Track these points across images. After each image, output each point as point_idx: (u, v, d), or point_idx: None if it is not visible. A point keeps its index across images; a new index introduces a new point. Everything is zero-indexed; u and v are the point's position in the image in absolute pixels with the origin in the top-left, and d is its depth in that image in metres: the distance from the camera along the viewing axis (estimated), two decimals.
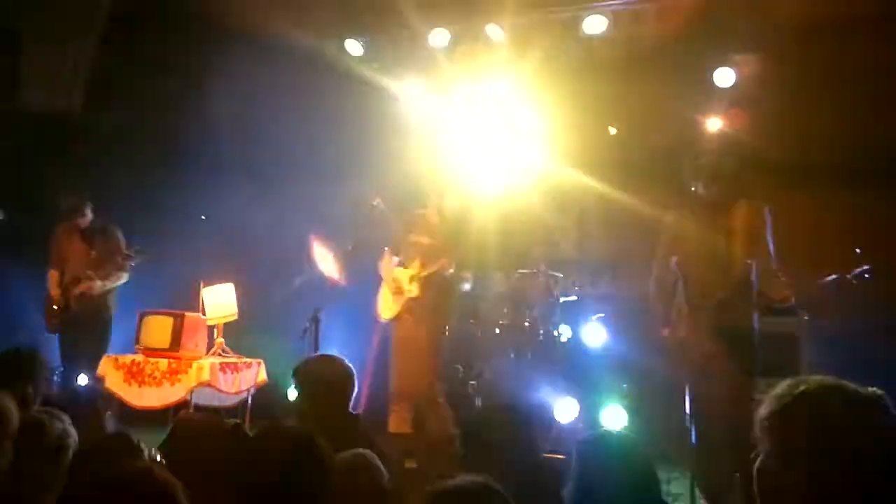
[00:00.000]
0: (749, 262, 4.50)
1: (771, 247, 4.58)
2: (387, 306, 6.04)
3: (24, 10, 7.68)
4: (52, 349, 6.35)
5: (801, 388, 1.63)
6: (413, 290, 5.81)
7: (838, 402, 1.60)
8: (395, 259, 6.05)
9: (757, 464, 1.67)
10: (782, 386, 1.66)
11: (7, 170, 7.23)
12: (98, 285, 6.39)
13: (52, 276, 6.55)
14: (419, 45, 8.13)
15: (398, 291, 5.89)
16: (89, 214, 6.59)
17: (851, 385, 1.65)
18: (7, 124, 7.55)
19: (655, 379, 6.59)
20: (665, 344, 4.85)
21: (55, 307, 6.49)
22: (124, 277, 6.50)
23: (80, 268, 6.45)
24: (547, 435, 6.22)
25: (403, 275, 5.94)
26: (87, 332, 6.40)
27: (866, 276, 4.28)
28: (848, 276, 4.32)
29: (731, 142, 5.13)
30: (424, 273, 5.81)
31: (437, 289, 5.91)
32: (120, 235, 6.59)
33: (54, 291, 6.48)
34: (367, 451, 2.58)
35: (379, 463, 2.57)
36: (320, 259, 7.12)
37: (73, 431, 2.67)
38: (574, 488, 2.55)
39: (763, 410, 1.65)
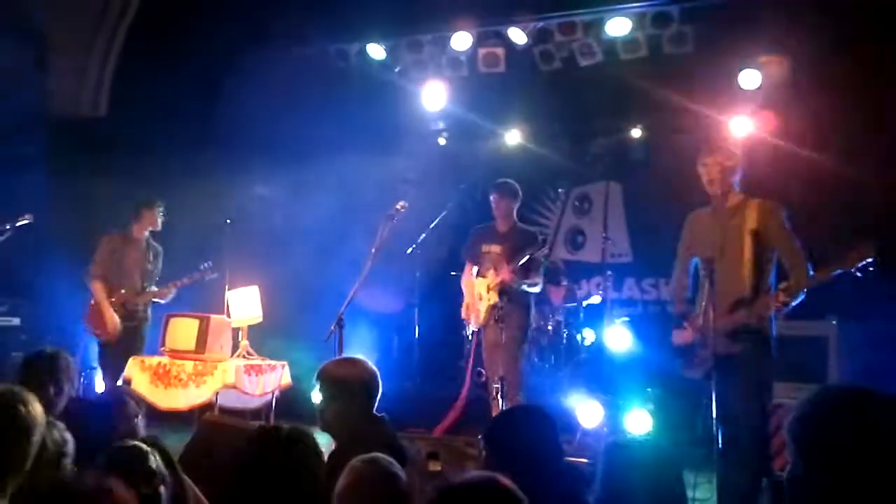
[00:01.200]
0: (764, 265, 4.50)
1: (794, 242, 4.52)
2: (473, 315, 6.22)
3: (49, 15, 7.77)
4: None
5: (824, 394, 1.62)
6: (492, 297, 5.93)
7: (861, 407, 1.59)
8: (475, 270, 6.21)
9: (786, 472, 1.66)
10: (807, 393, 1.65)
11: (34, 175, 7.31)
12: (163, 293, 6.49)
13: (102, 285, 6.43)
14: (441, 48, 8.14)
15: (481, 300, 6.04)
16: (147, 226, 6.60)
17: (874, 390, 1.63)
18: (34, 129, 7.64)
19: (680, 382, 6.55)
20: (676, 344, 4.79)
21: (113, 317, 6.40)
22: (172, 294, 6.55)
23: (136, 281, 6.48)
24: (571, 439, 6.20)
25: (481, 284, 6.08)
26: (132, 340, 6.44)
27: (870, 269, 4.15)
28: (852, 269, 4.19)
29: (742, 143, 5.09)
30: (497, 280, 5.92)
31: (516, 295, 6.05)
32: (161, 252, 6.70)
33: (109, 303, 6.38)
34: (381, 456, 2.56)
35: (396, 469, 2.55)
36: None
37: (69, 438, 2.64)
38: (600, 495, 2.54)
39: (788, 418, 1.64)
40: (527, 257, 5.98)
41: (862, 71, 6.78)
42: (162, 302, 6.54)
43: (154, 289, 6.51)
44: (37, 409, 2.40)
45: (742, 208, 4.61)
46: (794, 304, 4.39)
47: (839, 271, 4.19)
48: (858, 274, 4.14)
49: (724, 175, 4.62)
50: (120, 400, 3.40)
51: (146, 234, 6.59)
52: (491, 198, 6.27)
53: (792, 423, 1.66)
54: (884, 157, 6.80)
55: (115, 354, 6.33)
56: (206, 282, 6.45)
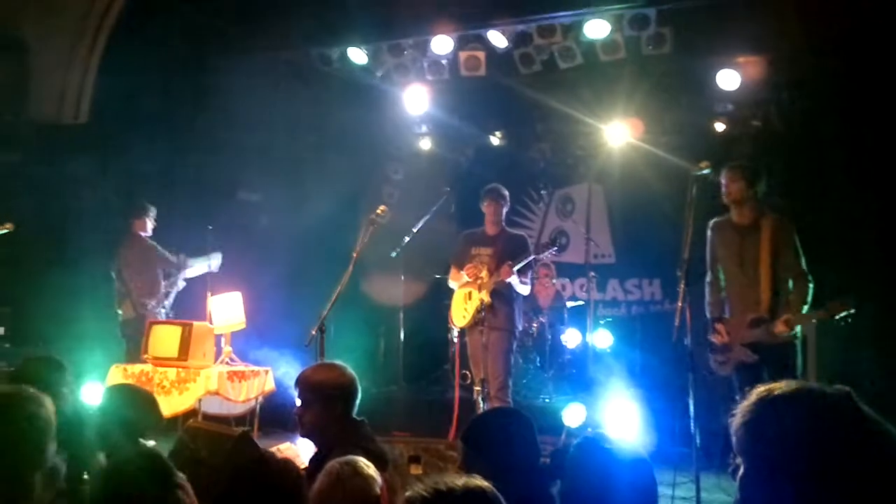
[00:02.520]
0: (780, 284, 4.79)
1: (799, 259, 4.81)
2: (460, 314, 6.24)
3: (30, 20, 7.74)
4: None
5: (766, 395, 1.63)
6: (484, 296, 5.97)
7: (803, 405, 1.59)
8: (463, 272, 6.24)
9: (739, 475, 1.67)
10: (751, 395, 1.66)
11: (15, 183, 7.28)
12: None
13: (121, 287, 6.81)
14: (422, 52, 8.16)
15: (468, 299, 6.05)
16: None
17: (817, 386, 1.64)
18: (14, 136, 7.61)
19: (663, 384, 6.61)
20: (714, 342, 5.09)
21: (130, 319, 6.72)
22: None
23: (152, 279, 6.79)
24: (556, 440, 6.22)
25: (472, 285, 6.09)
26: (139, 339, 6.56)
27: (848, 319, 4.53)
28: (832, 318, 4.58)
29: (751, 164, 5.24)
30: (492, 280, 5.95)
31: (504, 297, 6.08)
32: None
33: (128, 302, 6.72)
34: (358, 458, 2.57)
35: (372, 471, 2.56)
36: None
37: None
38: (563, 490, 2.56)
39: (734, 421, 1.64)
40: (527, 261, 6.02)
41: (839, 71, 6.85)
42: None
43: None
44: (50, 407, 2.41)
45: (759, 224, 4.81)
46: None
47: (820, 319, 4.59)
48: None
49: (745, 188, 4.80)
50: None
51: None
52: (483, 203, 6.28)
53: (739, 425, 1.67)
54: (856, 156, 6.88)
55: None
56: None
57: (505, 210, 6.31)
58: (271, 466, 2.51)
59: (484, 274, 6.09)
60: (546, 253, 6.16)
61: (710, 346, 5.10)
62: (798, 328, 4.82)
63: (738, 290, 5.00)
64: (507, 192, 6.34)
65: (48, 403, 2.38)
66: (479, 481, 1.79)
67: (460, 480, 1.78)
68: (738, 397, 4.61)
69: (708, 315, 5.17)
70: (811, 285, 4.78)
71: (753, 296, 4.87)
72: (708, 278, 5.20)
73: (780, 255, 4.81)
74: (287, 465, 2.56)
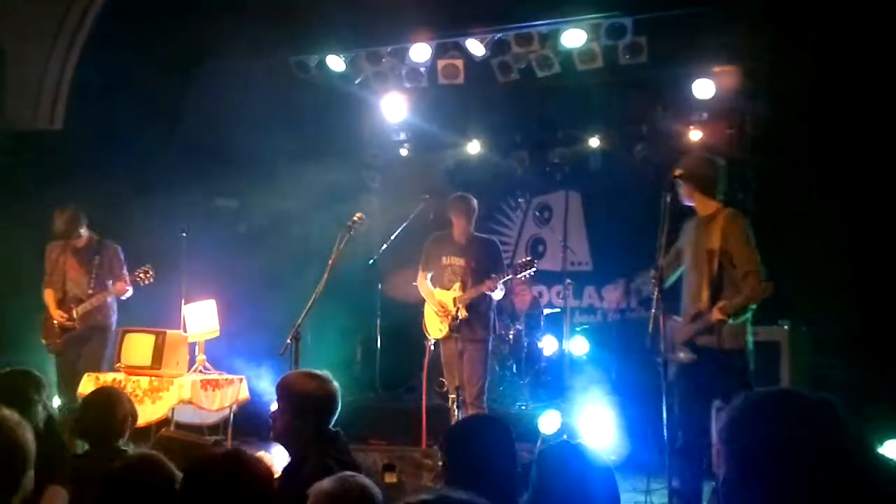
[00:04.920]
0: (720, 279, 4.58)
1: (749, 253, 4.59)
2: (434, 327, 6.19)
3: (4, 27, 7.66)
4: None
5: (750, 399, 1.64)
6: (462, 311, 5.94)
7: (785, 410, 1.61)
8: (429, 276, 6.18)
9: (721, 478, 1.69)
10: (737, 398, 1.68)
11: None
12: (102, 298, 6.36)
13: (49, 294, 6.48)
14: (400, 60, 8.18)
15: (445, 313, 6.01)
16: (84, 233, 6.49)
17: (800, 392, 1.66)
18: None
19: (639, 391, 6.63)
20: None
21: (57, 327, 6.40)
22: (129, 292, 6.41)
23: (82, 287, 6.41)
24: (531, 447, 6.23)
25: (446, 297, 6.07)
26: (89, 347, 6.38)
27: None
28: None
29: (705, 155, 5.15)
30: (469, 296, 5.93)
31: (481, 307, 6.06)
32: (118, 250, 6.55)
33: (55, 311, 6.41)
34: (356, 476, 2.51)
35: (374, 492, 2.49)
36: None
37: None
38: (530, 496, 2.57)
39: (718, 425, 1.67)
40: (506, 279, 6.01)
41: (813, 79, 6.93)
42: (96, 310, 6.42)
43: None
44: (29, 435, 2.37)
45: (711, 221, 4.70)
46: (736, 319, 4.51)
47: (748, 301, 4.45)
48: None
49: (693, 186, 4.72)
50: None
51: (86, 238, 6.49)
52: (451, 212, 6.21)
53: (722, 428, 1.69)
54: (828, 164, 6.95)
55: (65, 365, 6.33)
56: (142, 287, 6.35)
57: (474, 218, 6.24)
58: (242, 460, 2.50)
59: (457, 287, 6.05)
60: (525, 273, 6.11)
61: (654, 351, 4.78)
62: (749, 338, 4.62)
63: (687, 285, 4.80)
64: (474, 201, 6.21)
65: (28, 430, 2.34)
66: (461, 495, 1.75)
67: (456, 493, 1.74)
68: (676, 408, 4.59)
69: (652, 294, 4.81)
70: (753, 296, 4.47)
71: (696, 292, 4.68)
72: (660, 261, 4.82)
73: (728, 249, 4.56)
74: (257, 460, 2.55)
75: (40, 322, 6.51)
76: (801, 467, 1.55)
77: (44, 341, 6.47)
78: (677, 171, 4.69)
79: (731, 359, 4.55)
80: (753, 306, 4.55)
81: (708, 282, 4.59)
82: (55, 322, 6.40)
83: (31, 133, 7.95)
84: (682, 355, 4.66)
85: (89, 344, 6.40)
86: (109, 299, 6.46)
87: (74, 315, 6.35)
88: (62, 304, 6.44)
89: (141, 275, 6.30)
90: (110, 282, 6.42)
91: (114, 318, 6.54)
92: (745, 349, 4.60)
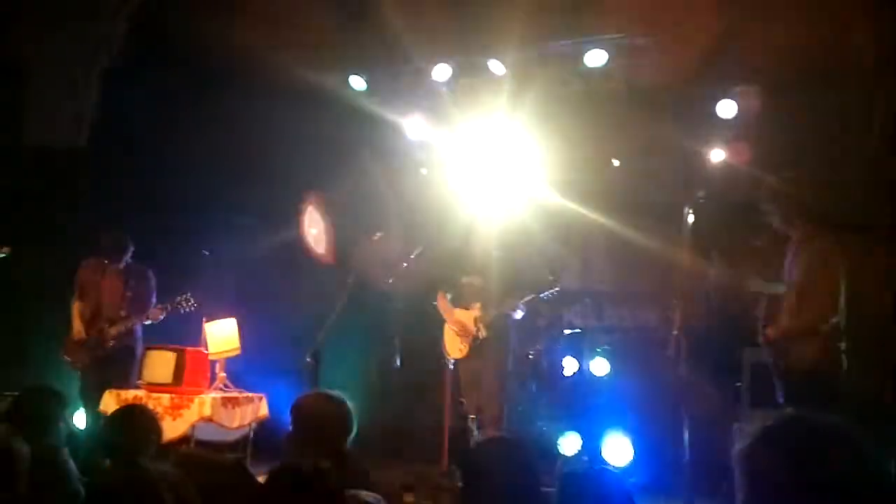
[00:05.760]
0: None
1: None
2: (454, 347, 6.20)
3: (29, 44, 7.78)
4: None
5: (765, 423, 1.63)
6: (482, 331, 5.89)
7: (801, 435, 1.60)
8: (449, 297, 6.15)
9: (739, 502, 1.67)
10: (756, 422, 1.66)
11: (12, 206, 7.28)
12: (139, 320, 6.45)
13: (79, 309, 6.55)
14: (421, 79, 8.20)
15: (465, 333, 5.99)
16: (129, 254, 6.62)
17: (816, 417, 1.64)
18: (12, 159, 7.62)
19: (659, 412, 6.56)
20: None
21: (83, 345, 6.47)
22: (161, 316, 6.49)
23: (116, 307, 6.49)
24: (550, 469, 6.17)
25: (467, 317, 6.06)
26: (117, 369, 6.40)
27: None
28: None
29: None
30: (490, 317, 5.90)
31: (501, 327, 6.01)
32: (152, 276, 6.66)
33: (80, 328, 6.48)
34: (358, 494, 2.52)
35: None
36: (310, 223, 7.13)
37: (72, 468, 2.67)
38: None
39: (736, 448, 1.65)
40: (532, 296, 5.98)
41: (832, 101, 6.87)
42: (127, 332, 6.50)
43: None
44: (25, 458, 2.38)
45: (805, 244, 4.71)
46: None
47: None
48: None
49: (776, 222, 4.73)
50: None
51: (127, 260, 6.61)
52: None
53: (739, 452, 1.68)
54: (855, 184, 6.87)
55: (91, 383, 6.32)
56: (182, 314, 6.39)
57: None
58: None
59: (476, 308, 6.01)
60: (549, 292, 6.09)
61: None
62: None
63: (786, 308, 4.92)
64: None
65: (24, 453, 2.35)
66: None
67: None
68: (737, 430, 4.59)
69: None
70: (807, 326, 4.60)
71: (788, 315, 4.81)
72: None
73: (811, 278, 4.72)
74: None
75: (65, 339, 6.55)
76: (817, 494, 1.53)
77: (67, 358, 6.50)
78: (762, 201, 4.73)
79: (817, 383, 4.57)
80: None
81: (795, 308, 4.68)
82: (77, 340, 6.43)
83: (54, 151, 8.05)
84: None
85: (117, 365, 6.43)
86: (140, 323, 6.53)
87: (109, 335, 6.39)
88: (93, 322, 6.51)
89: (182, 302, 6.33)
90: (142, 305, 6.50)
91: (140, 340, 6.60)
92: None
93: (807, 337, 4.49)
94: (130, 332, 6.50)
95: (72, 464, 3.47)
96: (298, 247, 8.09)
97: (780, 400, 4.58)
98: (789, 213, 4.73)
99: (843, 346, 4.57)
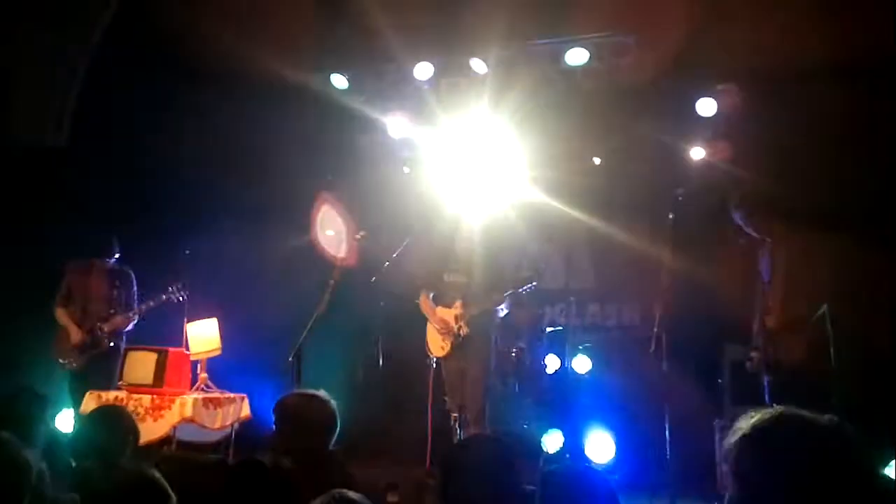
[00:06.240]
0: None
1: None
2: (436, 345, 6.16)
3: (11, 44, 7.71)
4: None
5: (755, 422, 1.62)
6: (464, 328, 5.90)
7: (791, 432, 1.59)
8: (431, 295, 6.14)
9: (726, 500, 1.67)
10: (743, 418, 1.66)
11: None
12: (132, 317, 6.51)
13: (65, 313, 6.56)
14: (403, 78, 8.20)
15: (447, 331, 5.98)
16: (116, 253, 6.66)
17: (807, 414, 1.64)
18: None
19: (641, 409, 6.59)
20: None
21: (76, 345, 6.46)
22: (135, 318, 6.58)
23: (104, 307, 6.52)
24: (534, 467, 6.19)
25: (448, 314, 6.03)
26: (103, 368, 6.41)
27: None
28: None
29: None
30: (471, 314, 5.89)
31: (483, 324, 6.00)
32: (133, 277, 6.71)
33: (76, 329, 6.48)
34: (344, 492, 2.52)
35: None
36: (325, 224, 7.14)
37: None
38: None
39: (726, 444, 1.65)
40: (511, 291, 5.98)
41: (814, 99, 6.92)
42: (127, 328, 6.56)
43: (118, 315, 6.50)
44: (28, 459, 2.37)
45: (779, 244, 4.75)
46: None
47: None
48: None
49: (756, 225, 4.78)
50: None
51: (112, 261, 6.64)
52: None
53: (728, 450, 1.68)
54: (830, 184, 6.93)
55: (83, 384, 6.30)
56: (174, 304, 6.40)
57: None
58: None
59: (458, 305, 6.01)
60: (526, 287, 6.09)
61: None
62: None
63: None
64: None
65: (27, 455, 2.34)
66: None
67: None
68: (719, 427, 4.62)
69: None
70: None
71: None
72: None
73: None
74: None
75: (53, 340, 6.53)
76: (807, 493, 1.53)
77: (60, 360, 6.49)
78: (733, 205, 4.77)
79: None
80: None
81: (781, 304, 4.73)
82: (73, 340, 6.44)
83: (36, 150, 7.99)
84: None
85: (107, 363, 6.43)
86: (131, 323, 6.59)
87: (101, 331, 6.44)
88: (82, 322, 6.52)
89: (174, 291, 6.39)
90: (129, 304, 6.56)
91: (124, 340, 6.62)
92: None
93: (796, 333, 4.51)
94: (119, 332, 6.54)
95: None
96: (279, 246, 8.06)
97: (767, 397, 4.60)
98: (759, 224, 4.80)
99: (831, 344, 4.63)
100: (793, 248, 4.68)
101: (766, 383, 4.74)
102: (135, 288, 6.67)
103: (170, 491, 2.63)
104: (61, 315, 6.56)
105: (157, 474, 2.74)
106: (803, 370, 4.58)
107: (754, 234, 4.84)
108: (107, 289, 6.56)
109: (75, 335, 6.47)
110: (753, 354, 4.93)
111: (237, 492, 2.49)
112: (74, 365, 6.48)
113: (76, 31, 8.03)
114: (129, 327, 6.59)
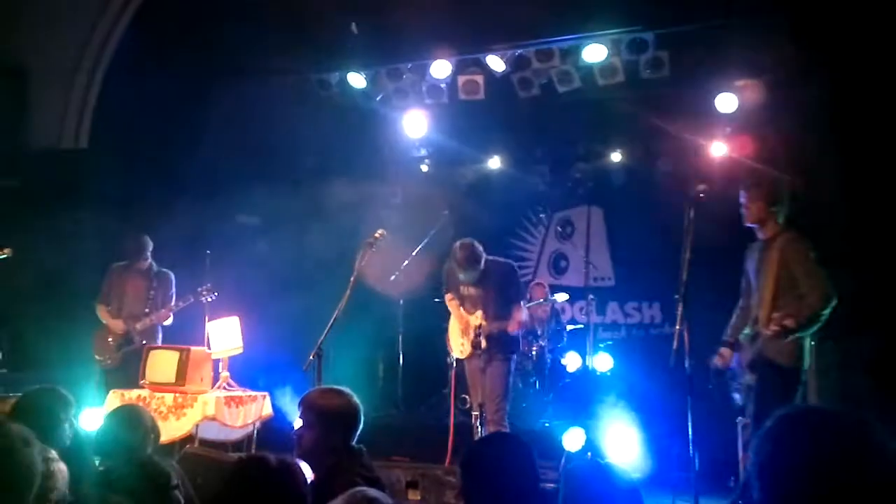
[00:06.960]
0: (779, 301, 4.55)
1: (810, 274, 4.54)
2: (458, 345, 6.18)
3: (30, 47, 7.78)
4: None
5: (782, 418, 1.61)
6: (483, 342, 5.93)
7: (818, 430, 1.58)
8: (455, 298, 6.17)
9: (755, 499, 1.66)
10: (770, 417, 1.64)
11: (13, 208, 7.28)
12: (166, 315, 6.64)
13: (105, 311, 6.73)
14: (421, 76, 8.20)
15: (469, 333, 6.00)
16: (148, 258, 6.81)
17: (832, 410, 1.62)
18: (14, 161, 7.62)
19: (663, 407, 6.56)
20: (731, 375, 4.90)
21: (114, 343, 6.62)
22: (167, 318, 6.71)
23: (139, 306, 6.68)
24: (555, 464, 6.18)
25: (472, 321, 6.02)
26: (136, 366, 6.45)
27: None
28: None
29: (777, 173, 5.15)
30: (491, 329, 5.91)
31: (503, 334, 6.01)
32: (173, 278, 6.83)
33: (116, 325, 6.63)
34: (365, 490, 2.52)
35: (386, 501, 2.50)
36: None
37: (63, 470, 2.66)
38: None
39: (752, 444, 1.63)
40: (517, 302, 5.97)
41: (832, 94, 6.87)
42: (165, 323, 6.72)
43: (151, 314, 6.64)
44: (36, 457, 2.37)
45: (773, 242, 4.69)
46: (795, 334, 4.46)
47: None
48: None
49: (763, 209, 4.69)
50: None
51: (148, 263, 6.79)
52: (458, 256, 6.05)
53: (755, 448, 1.66)
54: (851, 180, 6.86)
55: (118, 382, 6.40)
56: (205, 304, 6.49)
57: (483, 260, 5.97)
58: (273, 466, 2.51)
59: (479, 315, 6.00)
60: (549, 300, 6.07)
61: (730, 374, 4.86)
62: (806, 357, 4.60)
63: (753, 308, 4.80)
64: (480, 250, 5.96)
65: (35, 452, 2.34)
66: None
67: None
68: (742, 426, 4.58)
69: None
70: (818, 305, 4.46)
71: (758, 313, 4.69)
72: (740, 303, 5.01)
73: (788, 273, 4.57)
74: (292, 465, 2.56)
75: (87, 339, 6.67)
76: (836, 489, 1.51)
77: (97, 357, 6.68)
78: (750, 192, 4.71)
79: (781, 378, 4.54)
80: (813, 328, 4.53)
81: (768, 305, 4.59)
82: (110, 338, 6.62)
83: (56, 152, 8.06)
84: (748, 379, 4.69)
85: (141, 361, 6.50)
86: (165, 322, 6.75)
87: (136, 329, 6.61)
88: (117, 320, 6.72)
89: (204, 292, 6.48)
90: (165, 304, 6.69)
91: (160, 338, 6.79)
92: (801, 369, 4.59)
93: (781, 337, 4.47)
94: (157, 329, 6.71)
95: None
96: (299, 245, 8.09)
97: (794, 396, 4.56)
98: (766, 203, 4.71)
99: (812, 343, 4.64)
100: (786, 247, 4.62)
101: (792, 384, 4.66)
102: (173, 290, 6.80)
103: (173, 475, 2.64)
104: (102, 312, 6.73)
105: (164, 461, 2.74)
106: (786, 369, 4.55)
107: (755, 219, 4.77)
108: (143, 289, 6.72)
109: (112, 330, 6.65)
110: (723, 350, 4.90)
111: (237, 490, 2.48)
112: (110, 362, 6.64)
113: (95, 33, 8.09)
114: (168, 322, 6.72)
